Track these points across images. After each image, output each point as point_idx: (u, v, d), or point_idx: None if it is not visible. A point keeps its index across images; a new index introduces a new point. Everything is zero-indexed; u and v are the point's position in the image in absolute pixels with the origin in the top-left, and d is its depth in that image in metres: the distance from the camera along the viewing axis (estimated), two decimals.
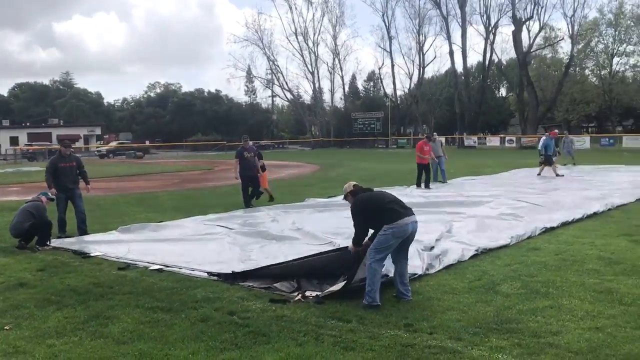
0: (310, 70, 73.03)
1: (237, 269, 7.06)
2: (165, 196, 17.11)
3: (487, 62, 63.21)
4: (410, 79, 70.82)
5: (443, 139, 25.96)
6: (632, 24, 59.69)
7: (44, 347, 4.81)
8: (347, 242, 6.14)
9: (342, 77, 77.47)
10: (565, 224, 10.13)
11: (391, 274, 6.05)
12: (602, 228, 9.78)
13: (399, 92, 74.70)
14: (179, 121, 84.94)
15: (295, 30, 71.89)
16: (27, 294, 6.44)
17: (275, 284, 6.44)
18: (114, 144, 64.54)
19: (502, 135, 60.75)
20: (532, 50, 59.69)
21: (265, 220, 11.19)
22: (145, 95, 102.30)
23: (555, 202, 12.42)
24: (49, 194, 9.98)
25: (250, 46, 74.35)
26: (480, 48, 74.38)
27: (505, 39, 69.90)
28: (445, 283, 6.48)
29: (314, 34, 72.53)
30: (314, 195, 15.51)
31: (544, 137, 21.78)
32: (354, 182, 6.26)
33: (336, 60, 74.77)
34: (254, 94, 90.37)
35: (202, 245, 8.91)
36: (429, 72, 74.29)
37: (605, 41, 62.64)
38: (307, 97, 78.19)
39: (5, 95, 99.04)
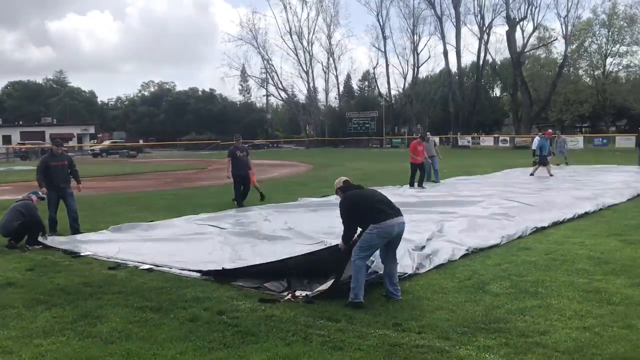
0: (305, 70, 73.05)
1: (227, 267, 7.05)
2: (158, 195, 17.07)
3: (481, 62, 63.45)
4: (405, 78, 70.99)
5: (437, 139, 26.13)
6: (625, 24, 60.01)
7: (31, 347, 4.79)
8: (339, 241, 6.14)
9: (336, 77, 77.61)
10: (556, 224, 10.17)
11: (381, 271, 6.05)
12: (592, 228, 9.83)
13: (393, 92, 74.87)
14: (172, 120, 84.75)
15: (290, 29, 71.88)
16: (15, 294, 6.40)
17: (265, 284, 6.44)
18: (107, 142, 64.37)
19: (495, 135, 60.92)
20: (526, 51, 59.84)
21: (257, 219, 11.17)
22: (139, 94, 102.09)
23: (547, 202, 12.46)
24: (40, 192, 9.93)
25: (245, 45, 74.09)
26: (474, 48, 74.62)
27: (499, 39, 69.96)
28: (435, 282, 6.49)
29: (309, 33, 72.58)
30: (307, 194, 15.52)
31: (537, 137, 21.88)
32: (345, 178, 6.28)
33: (331, 59, 74.89)
34: (248, 93, 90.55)
35: (193, 245, 8.89)
36: (424, 72, 74.38)
37: (599, 41, 62.98)
38: (301, 97, 78.28)
39: None
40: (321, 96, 78.67)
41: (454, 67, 64.79)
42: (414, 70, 68.79)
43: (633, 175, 19.23)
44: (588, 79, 66.04)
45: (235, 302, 5.88)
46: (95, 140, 73.20)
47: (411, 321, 5.18)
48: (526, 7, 56.27)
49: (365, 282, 5.96)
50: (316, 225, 10.02)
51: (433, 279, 6.64)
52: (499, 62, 67.97)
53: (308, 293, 6.02)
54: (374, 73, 78.61)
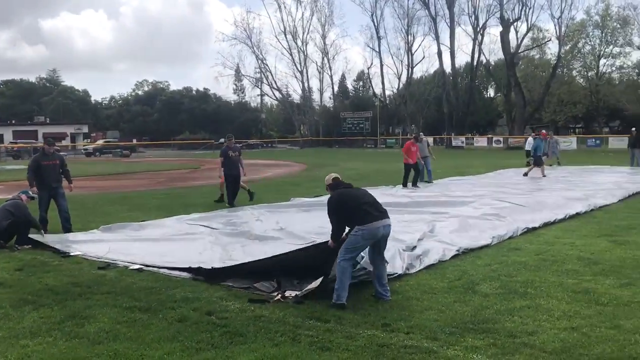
0: (299, 70, 73.09)
1: (216, 267, 7.03)
2: (150, 195, 17.01)
3: (475, 63, 63.51)
4: (399, 79, 71.14)
5: (431, 139, 26.19)
6: (618, 25, 60.36)
7: (17, 348, 4.75)
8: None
9: (331, 77, 77.68)
10: (547, 225, 10.20)
11: (370, 268, 6.05)
12: (583, 228, 9.87)
13: (387, 92, 74.97)
14: (166, 120, 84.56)
15: (284, 29, 71.86)
16: (3, 294, 6.35)
17: (255, 284, 6.42)
18: (100, 142, 64.14)
19: (489, 136, 61.12)
20: (519, 51, 60.05)
21: (249, 220, 11.15)
22: (133, 94, 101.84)
23: (538, 203, 12.49)
24: (30, 192, 9.88)
25: (239, 45, 74.17)
26: (468, 49, 74.42)
27: (493, 40, 70.61)
28: (425, 283, 6.50)
29: (303, 33, 72.58)
30: (300, 194, 15.50)
31: (530, 138, 21.95)
32: (335, 175, 6.28)
33: (325, 59, 74.91)
34: (242, 93, 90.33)
35: (183, 245, 8.86)
36: (418, 73, 74.36)
37: (592, 43, 63.34)
38: (296, 96, 78.35)
39: None
40: (316, 96, 78.77)
41: (448, 68, 65.06)
42: (408, 70, 69.03)
43: (625, 176, 19.32)
44: (581, 80, 66.37)
45: (224, 303, 5.86)
46: (89, 140, 72.89)
47: (400, 321, 5.18)
48: (520, 8, 56.64)
49: (355, 281, 5.97)
50: (308, 225, 9.99)
51: (423, 280, 6.64)
52: (492, 63, 68.16)
53: (298, 293, 6.01)
54: (368, 73, 78.77)
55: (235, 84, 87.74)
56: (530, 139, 24.25)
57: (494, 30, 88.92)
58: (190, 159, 43.52)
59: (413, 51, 67.96)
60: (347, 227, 5.89)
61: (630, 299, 5.75)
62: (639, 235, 9.05)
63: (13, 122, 79.43)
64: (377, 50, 70.80)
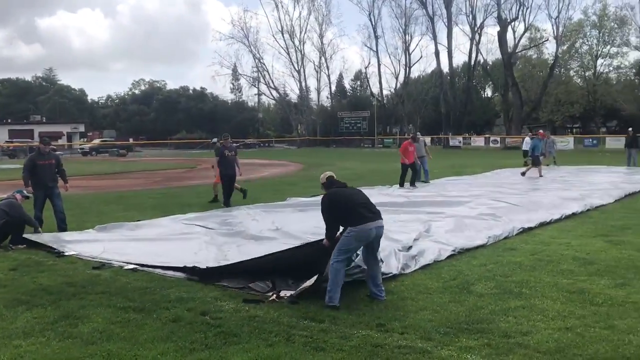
0: (297, 69, 73.07)
1: (211, 266, 7.01)
2: (146, 194, 16.98)
3: (472, 63, 63.67)
4: (397, 78, 71.18)
5: (428, 139, 26.20)
6: (615, 25, 60.41)
7: (10, 348, 4.73)
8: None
9: (328, 76, 77.68)
10: (543, 225, 10.20)
11: (365, 266, 6.03)
12: (579, 228, 9.87)
13: (385, 92, 75.03)
14: (163, 119, 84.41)
15: (282, 28, 71.88)
16: None
17: (250, 284, 6.40)
18: (97, 141, 64.00)
19: (487, 136, 61.13)
20: (517, 51, 60.14)
21: (244, 219, 11.13)
22: (129, 93, 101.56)
23: (534, 203, 12.50)
24: (24, 191, 9.84)
25: (236, 44, 74.14)
26: (465, 48, 74.87)
27: (491, 40, 70.10)
28: (420, 283, 6.49)
29: (301, 32, 72.60)
30: (297, 194, 15.48)
31: (527, 138, 21.98)
32: (330, 174, 6.27)
33: (322, 58, 74.93)
34: (239, 92, 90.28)
35: (178, 245, 8.83)
36: (415, 72, 74.69)
37: (590, 42, 63.43)
38: (293, 96, 78.24)
39: None
40: (313, 95, 78.82)
41: (445, 67, 65.15)
42: (405, 70, 69.10)
43: (621, 176, 19.35)
44: (579, 79, 66.46)
45: (219, 303, 5.85)
46: (85, 139, 72.78)
47: (394, 322, 5.17)
48: (517, 7, 56.74)
49: (349, 279, 5.96)
50: (303, 225, 9.97)
51: (418, 279, 6.63)
52: (490, 63, 68.32)
53: (292, 293, 6.00)
54: (365, 73, 78.89)
55: (233, 84, 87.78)
56: (527, 139, 24.30)
57: (491, 30, 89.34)
58: (187, 159, 43.47)
59: (410, 51, 68.12)
60: (341, 227, 5.88)
61: (624, 299, 5.75)
62: (634, 236, 9.07)
63: (9, 121, 79.19)
64: (375, 49, 71.05)
